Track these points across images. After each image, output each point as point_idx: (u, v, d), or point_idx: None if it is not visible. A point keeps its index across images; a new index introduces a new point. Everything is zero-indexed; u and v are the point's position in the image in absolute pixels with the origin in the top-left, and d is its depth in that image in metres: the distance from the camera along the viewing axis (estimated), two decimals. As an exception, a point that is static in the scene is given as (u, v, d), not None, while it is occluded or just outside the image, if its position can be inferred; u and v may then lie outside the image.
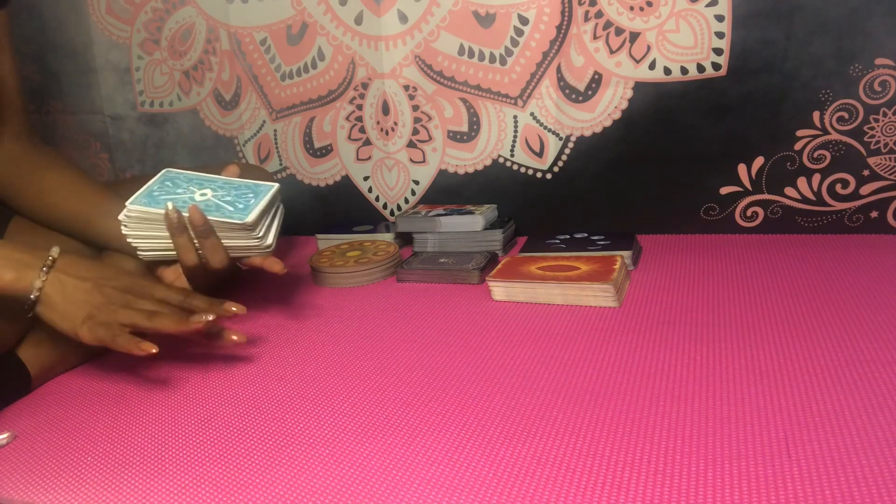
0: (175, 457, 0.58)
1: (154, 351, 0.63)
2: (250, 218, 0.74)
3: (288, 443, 0.59)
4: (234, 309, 0.70)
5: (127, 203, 0.74)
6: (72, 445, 0.61)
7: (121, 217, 0.75)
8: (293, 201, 1.29)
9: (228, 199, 0.77)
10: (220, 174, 0.82)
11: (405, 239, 1.17)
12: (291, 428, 0.61)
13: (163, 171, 0.81)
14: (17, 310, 0.65)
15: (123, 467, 0.57)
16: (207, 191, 0.77)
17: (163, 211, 0.73)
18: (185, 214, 0.73)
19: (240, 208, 0.76)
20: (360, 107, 1.22)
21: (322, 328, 0.85)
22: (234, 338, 0.71)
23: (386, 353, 0.76)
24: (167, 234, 0.74)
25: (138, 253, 0.77)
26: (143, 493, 0.53)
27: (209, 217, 0.73)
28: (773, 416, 0.56)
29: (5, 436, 0.62)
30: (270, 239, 0.78)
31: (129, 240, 0.76)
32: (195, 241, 0.74)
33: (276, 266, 0.78)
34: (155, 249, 0.76)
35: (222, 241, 0.75)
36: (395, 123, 1.21)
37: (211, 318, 0.67)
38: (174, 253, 0.75)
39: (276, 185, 0.81)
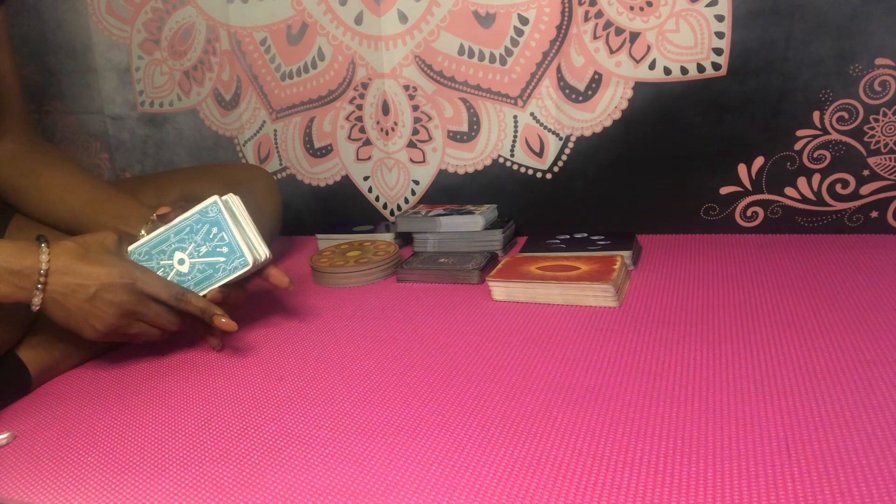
0: (175, 457, 0.58)
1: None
2: (250, 257, 0.74)
3: (288, 443, 0.59)
4: (224, 321, 0.74)
5: None
6: (72, 445, 0.61)
7: None
8: (293, 201, 1.29)
9: (205, 250, 0.75)
10: (155, 215, 0.81)
11: (405, 239, 1.17)
12: (291, 428, 0.61)
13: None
14: (18, 310, 0.66)
15: (123, 467, 0.57)
16: (181, 255, 0.76)
17: None
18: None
19: (226, 253, 0.75)
20: (360, 107, 1.22)
21: (322, 328, 0.85)
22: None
23: (386, 353, 0.76)
24: None
25: None
26: (143, 493, 0.53)
27: (220, 284, 0.75)
28: (773, 416, 0.56)
29: (5, 436, 0.62)
30: (263, 251, 0.77)
31: None
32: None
33: (282, 280, 0.79)
34: None
35: (231, 280, 0.75)
36: (395, 123, 1.21)
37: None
38: None
39: (215, 199, 0.76)
